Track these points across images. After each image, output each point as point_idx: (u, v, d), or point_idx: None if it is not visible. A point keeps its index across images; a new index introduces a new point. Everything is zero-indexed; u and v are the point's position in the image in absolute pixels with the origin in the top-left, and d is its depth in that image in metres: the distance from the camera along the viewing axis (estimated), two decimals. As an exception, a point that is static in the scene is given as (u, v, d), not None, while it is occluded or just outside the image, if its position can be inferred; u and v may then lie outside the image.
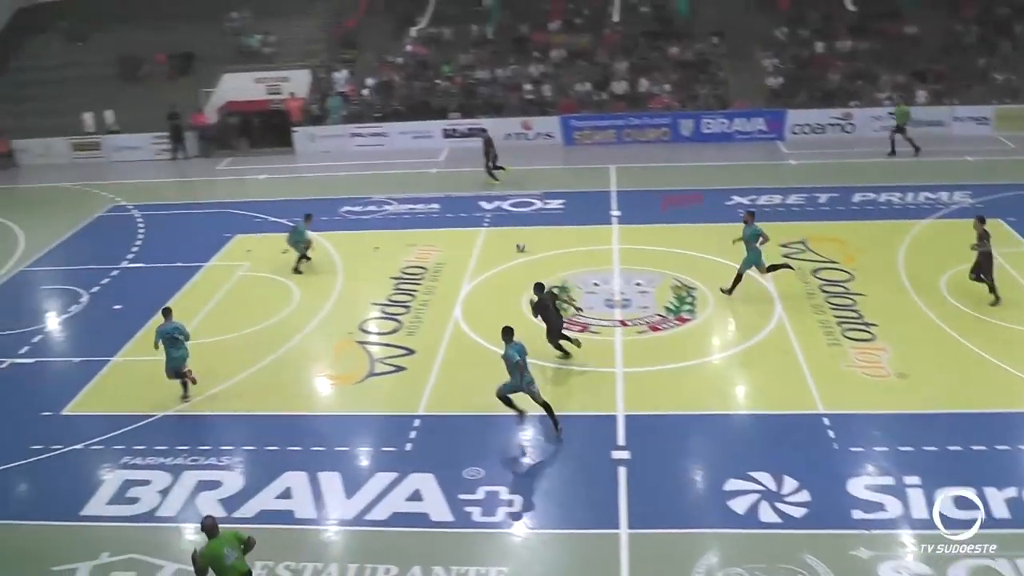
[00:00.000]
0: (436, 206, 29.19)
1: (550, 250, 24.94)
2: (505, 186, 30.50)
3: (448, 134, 36.18)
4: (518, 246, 24.98)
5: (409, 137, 36.23)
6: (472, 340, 20.31)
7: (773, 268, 21.77)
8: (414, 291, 23.01)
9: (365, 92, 38.24)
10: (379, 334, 21.11)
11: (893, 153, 31.84)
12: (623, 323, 20.65)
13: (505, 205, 28.78)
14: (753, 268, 21.41)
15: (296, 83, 39.11)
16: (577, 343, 19.26)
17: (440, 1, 41.82)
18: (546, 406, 16.59)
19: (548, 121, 35.91)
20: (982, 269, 20.60)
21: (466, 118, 36.34)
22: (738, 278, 21.46)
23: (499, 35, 40.67)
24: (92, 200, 33.02)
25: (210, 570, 12.41)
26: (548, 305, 18.96)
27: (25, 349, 21.83)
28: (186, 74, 41.44)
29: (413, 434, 17.10)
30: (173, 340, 18.54)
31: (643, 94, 36.77)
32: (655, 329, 20.37)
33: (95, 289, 24.79)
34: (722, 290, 21.71)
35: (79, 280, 25.49)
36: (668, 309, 21.17)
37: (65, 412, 18.90)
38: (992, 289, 20.57)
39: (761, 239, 21.16)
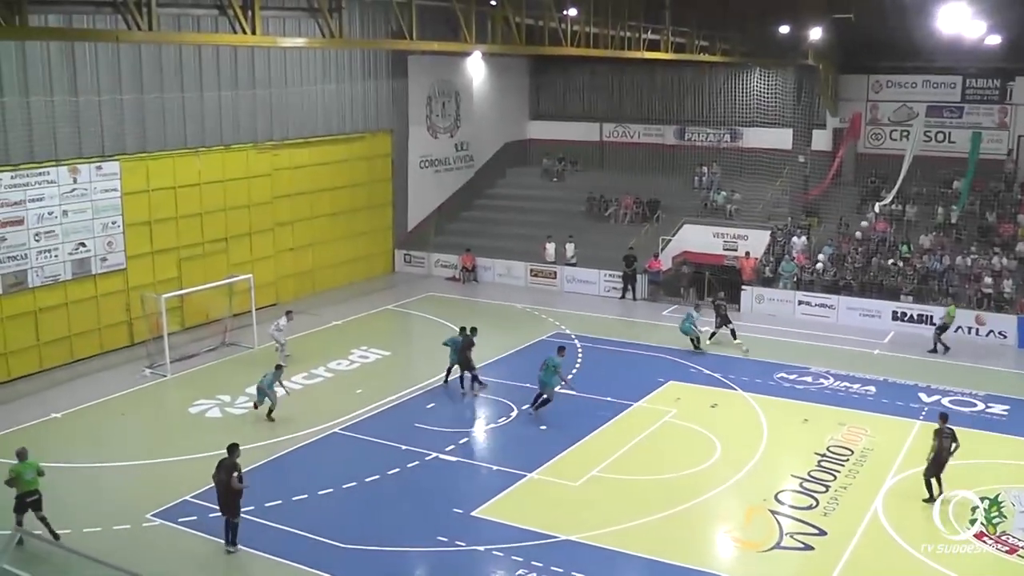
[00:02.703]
0: (872, 389, 28.87)
1: (987, 458, 23.96)
2: (947, 381, 29.56)
3: (897, 316, 35.54)
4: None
5: (857, 313, 35.95)
6: (890, 537, 20.01)
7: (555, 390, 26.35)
8: (836, 471, 23.06)
9: (820, 262, 38.54)
10: (793, 507, 21.31)
11: None
12: (1059, 554, 19.44)
13: (945, 400, 27.83)
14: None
15: (753, 242, 40.57)
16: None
17: (909, 178, 41.63)
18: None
19: (1004, 319, 34.23)
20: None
21: (918, 303, 35.60)
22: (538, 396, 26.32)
23: (964, 221, 39.73)
24: (539, 324, 36.04)
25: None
26: (459, 344, 27.96)
27: (451, 447, 24.31)
28: (649, 220, 44.49)
29: (812, 618, 17.14)
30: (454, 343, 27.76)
31: (1117, 304, 34.31)
32: (1094, 568, 19.04)
33: (525, 406, 26.74)
34: (529, 413, 26.22)
35: (512, 395, 27.85)
36: (1112, 549, 19.69)
37: (474, 513, 20.80)
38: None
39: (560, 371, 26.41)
